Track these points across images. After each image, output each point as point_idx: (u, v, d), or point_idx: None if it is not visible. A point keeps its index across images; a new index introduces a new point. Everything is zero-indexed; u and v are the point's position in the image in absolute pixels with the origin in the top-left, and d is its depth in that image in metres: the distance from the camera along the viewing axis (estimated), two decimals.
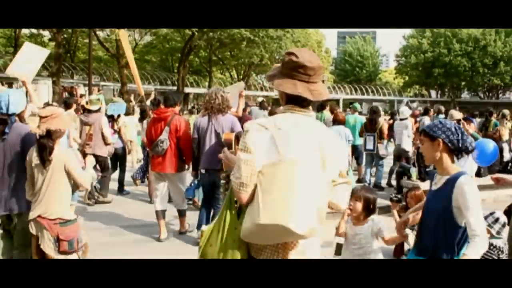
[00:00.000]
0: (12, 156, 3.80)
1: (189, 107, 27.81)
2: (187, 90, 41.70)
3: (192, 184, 6.87)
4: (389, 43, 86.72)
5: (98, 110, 7.56)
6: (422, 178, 8.39)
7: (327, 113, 10.75)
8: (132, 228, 6.37)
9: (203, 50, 39.81)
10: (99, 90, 25.56)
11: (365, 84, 56.35)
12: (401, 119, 10.00)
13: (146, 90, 42.85)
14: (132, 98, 20.74)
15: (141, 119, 9.06)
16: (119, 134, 8.27)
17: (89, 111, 7.49)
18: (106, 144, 7.44)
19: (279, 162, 2.03)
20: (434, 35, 49.06)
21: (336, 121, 8.34)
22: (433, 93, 57.79)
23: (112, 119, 8.20)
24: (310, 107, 2.29)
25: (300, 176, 1.99)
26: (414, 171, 8.45)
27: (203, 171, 5.42)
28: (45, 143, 3.56)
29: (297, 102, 2.20)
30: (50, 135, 3.59)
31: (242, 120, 6.66)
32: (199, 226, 5.55)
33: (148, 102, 9.87)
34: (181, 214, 6.00)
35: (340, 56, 64.45)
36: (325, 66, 56.25)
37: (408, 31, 54.26)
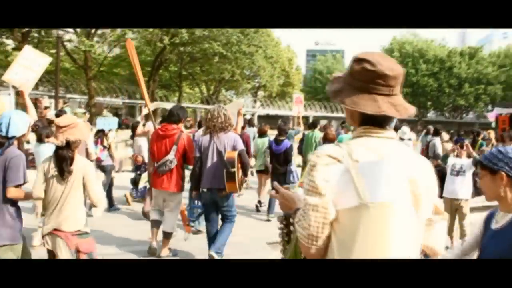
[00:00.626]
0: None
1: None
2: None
3: (192, 206, 6.50)
4: None
5: None
6: None
7: (317, 132, 10.45)
8: (126, 247, 6.04)
9: (173, 65, 39.22)
10: (65, 103, 24.64)
11: (329, 101, 56.73)
12: (401, 139, 9.76)
13: (114, 104, 41.99)
14: (105, 112, 20.03)
15: (133, 136, 8.69)
16: (108, 150, 7.95)
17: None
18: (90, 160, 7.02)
19: (360, 207, 1.52)
20: (402, 55, 50.07)
21: (327, 140, 8.13)
22: None
23: (102, 134, 7.89)
24: (391, 126, 1.77)
25: (391, 225, 1.52)
26: None
27: (205, 190, 5.30)
28: (64, 154, 3.48)
29: (376, 122, 1.66)
30: (69, 146, 3.51)
31: (280, 142, 7.26)
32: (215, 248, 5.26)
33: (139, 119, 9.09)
34: (168, 236, 5.68)
35: (309, 73, 64.81)
36: (296, 83, 56.54)
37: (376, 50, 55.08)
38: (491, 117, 17.26)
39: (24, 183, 3.50)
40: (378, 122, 1.67)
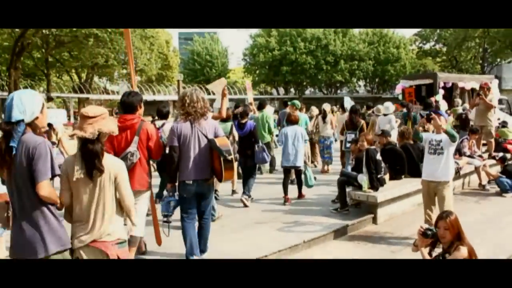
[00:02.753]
0: (23, 181, 2.93)
1: None
2: None
3: (167, 199, 5.32)
4: (233, 42, 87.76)
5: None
6: (375, 187, 6.94)
7: (266, 112, 10.81)
8: None
9: (37, 50, 34.58)
10: None
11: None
12: (385, 114, 10.48)
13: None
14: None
15: None
16: (58, 146, 7.30)
17: None
18: None
19: None
20: (280, 34, 50.41)
21: (290, 121, 8.29)
22: (280, 90, 59.49)
23: (50, 128, 7.25)
24: None
25: None
26: (365, 180, 6.95)
27: (189, 182, 4.91)
28: (96, 149, 3.08)
29: None
30: (99, 139, 3.12)
31: (243, 125, 7.85)
32: (190, 251, 5.03)
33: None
34: (135, 242, 4.84)
35: (188, 55, 62.50)
36: (175, 66, 54.06)
37: (255, 30, 54.96)
38: (397, 89, 17.48)
39: (53, 177, 3.00)
40: None
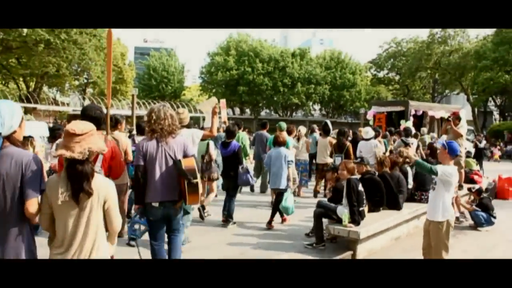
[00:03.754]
0: (10, 195, 2.81)
1: None
2: None
3: (134, 221, 4.82)
4: (190, 59, 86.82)
5: None
6: (356, 221, 6.34)
7: (242, 133, 10.70)
8: None
9: None
10: None
11: (169, 100, 54.18)
12: (365, 139, 10.16)
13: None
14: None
15: (51, 139, 7.50)
16: None
17: None
18: None
19: None
20: (238, 53, 50.13)
21: (278, 143, 8.03)
22: (235, 110, 59.04)
23: (26, 141, 6.94)
24: None
25: None
26: (345, 213, 6.34)
27: (155, 204, 4.59)
28: (86, 170, 2.84)
29: None
30: (89, 159, 2.90)
31: (228, 144, 7.68)
32: None
33: None
34: None
35: (143, 70, 60.86)
36: (129, 80, 52.47)
37: (212, 49, 54.43)
38: (369, 115, 17.72)
39: (41, 193, 2.87)
40: None
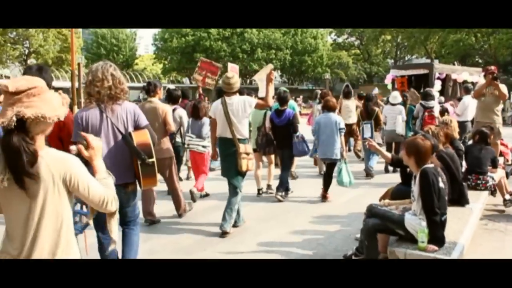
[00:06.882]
0: None
1: None
2: None
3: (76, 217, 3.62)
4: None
5: None
6: (439, 239, 3.91)
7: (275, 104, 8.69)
8: None
9: None
10: None
11: (121, 70, 51.02)
12: (393, 104, 9.78)
13: None
14: None
15: None
16: None
17: None
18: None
19: None
20: None
21: (327, 108, 7.36)
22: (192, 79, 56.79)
23: None
24: None
25: None
26: (423, 229, 3.76)
27: None
28: (17, 145, 1.98)
29: None
30: (25, 128, 2.02)
31: (281, 112, 7.40)
32: None
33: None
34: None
35: (92, 38, 57.05)
36: (76, 49, 48.80)
37: None
38: (387, 79, 16.47)
39: None
40: None
